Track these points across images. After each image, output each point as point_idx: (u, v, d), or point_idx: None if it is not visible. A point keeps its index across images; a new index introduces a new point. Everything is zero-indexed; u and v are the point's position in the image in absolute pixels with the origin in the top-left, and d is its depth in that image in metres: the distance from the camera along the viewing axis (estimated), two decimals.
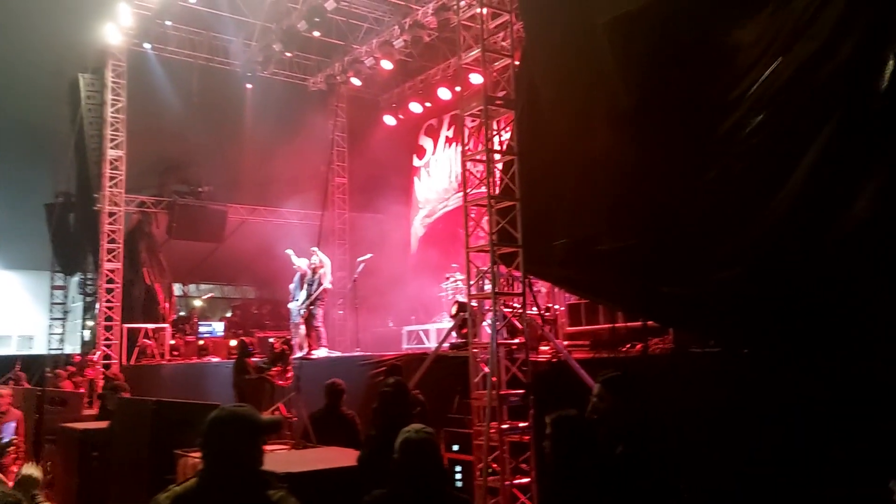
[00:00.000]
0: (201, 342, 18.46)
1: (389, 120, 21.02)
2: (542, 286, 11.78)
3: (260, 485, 2.97)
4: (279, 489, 3.01)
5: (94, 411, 10.37)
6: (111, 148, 18.21)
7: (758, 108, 5.19)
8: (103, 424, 7.47)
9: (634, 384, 4.31)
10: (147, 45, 18.42)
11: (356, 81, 19.63)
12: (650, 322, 7.03)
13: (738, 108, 5.26)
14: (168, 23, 17.83)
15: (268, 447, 6.56)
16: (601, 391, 4.20)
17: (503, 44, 8.34)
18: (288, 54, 18.76)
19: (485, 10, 7.95)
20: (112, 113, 18.28)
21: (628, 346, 7.71)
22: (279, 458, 5.58)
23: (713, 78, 5.43)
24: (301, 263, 13.69)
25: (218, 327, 19.80)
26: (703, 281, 5.59)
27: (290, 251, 14.07)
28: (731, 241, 5.39)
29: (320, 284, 13.21)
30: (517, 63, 7.95)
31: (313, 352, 12.73)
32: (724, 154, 5.34)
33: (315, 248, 13.57)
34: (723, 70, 5.36)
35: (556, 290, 10.82)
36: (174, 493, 2.96)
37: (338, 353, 13.48)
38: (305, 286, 13.41)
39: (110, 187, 18.19)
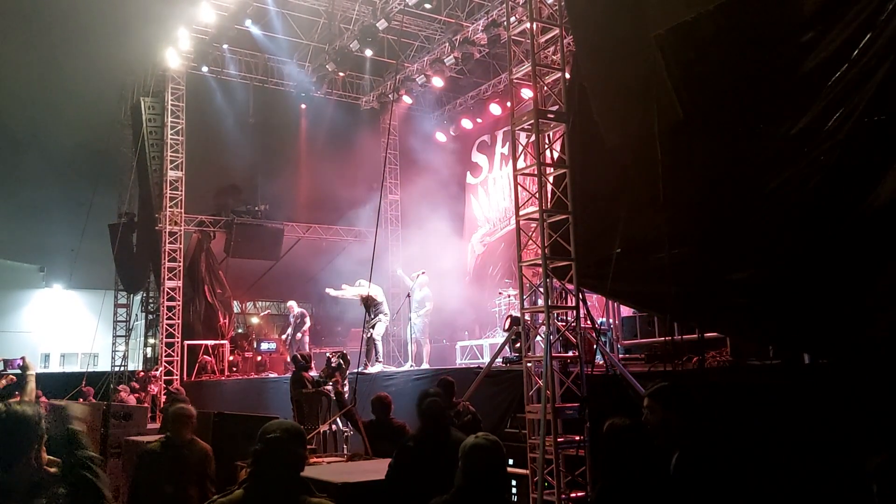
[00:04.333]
0: (259, 358, 18.80)
1: (441, 137, 21.18)
2: (596, 300, 11.69)
3: (302, 492, 3.08)
4: (320, 496, 3.11)
5: (156, 425, 10.66)
6: (171, 169, 18.79)
7: (841, 102, 4.99)
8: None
9: (684, 395, 4.26)
10: (205, 69, 19.01)
11: (408, 99, 19.89)
12: (707, 333, 6.91)
13: (813, 106, 5.10)
14: (225, 46, 18.39)
15: (326, 459, 6.67)
16: (650, 402, 4.17)
17: (554, 58, 8.36)
18: (341, 74, 19.12)
19: (535, 25, 7.99)
20: (172, 135, 18.87)
21: (685, 358, 7.60)
22: (336, 469, 5.65)
23: (781, 81, 5.31)
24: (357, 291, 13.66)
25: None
26: (766, 289, 5.48)
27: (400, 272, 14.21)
28: (799, 248, 5.26)
29: (376, 309, 13.35)
30: (568, 76, 7.96)
31: (369, 367, 12.85)
32: (795, 158, 5.22)
33: (361, 281, 13.51)
34: (794, 72, 5.22)
35: (611, 303, 10.72)
36: None
37: (392, 369, 13.58)
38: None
39: (170, 207, 18.74)
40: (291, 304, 16.46)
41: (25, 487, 2.77)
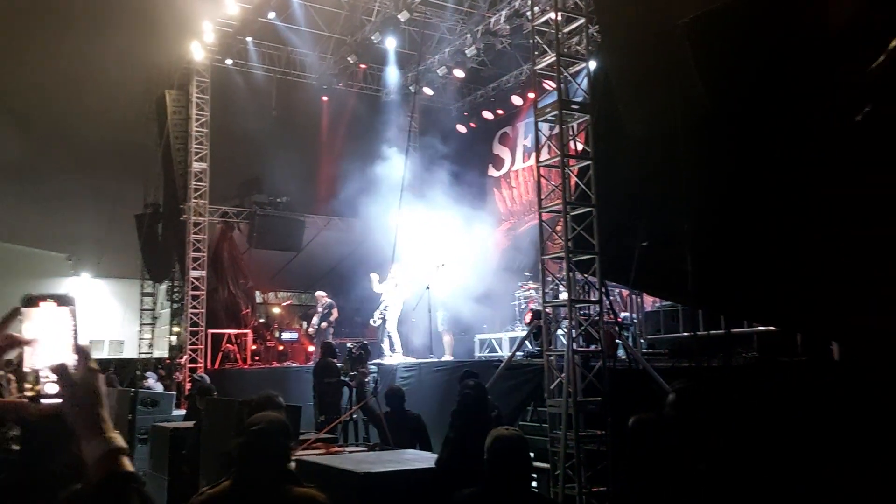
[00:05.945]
0: (280, 347, 18.93)
1: (462, 129, 21.11)
2: (618, 294, 11.61)
3: (288, 482, 3.10)
4: (307, 486, 3.13)
5: (181, 411, 10.78)
6: (196, 161, 18.93)
7: (874, 95, 4.89)
8: (191, 424, 7.74)
9: (709, 396, 4.22)
10: (228, 61, 19.11)
11: (429, 91, 19.82)
12: (734, 329, 6.86)
13: (844, 99, 5.01)
14: (248, 39, 18.47)
15: (348, 448, 6.70)
16: (673, 401, 4.13)
17: (578, 48, 8.30)
18: (362, 66, 19.11)
19: (559, 15, 7.92)
20: (196, 127, 18.99)
21: (710, 354, 7.53)
22: (358, 458, 5.67)
23: (812, 70, 5.22)
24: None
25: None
26: (796, 277, 5.44)
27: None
28: (831, 241, 5.20)
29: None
30: (592, 67, 7.89)
31: (388, 358, 12.89)
32: (823, 153, 5.14)
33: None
34: (826, 63, 5.13)
35: (635, 297, 10.65)
36: (208, 495, 3.09)
37: (412, 360, 13.59)
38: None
39: (195, 198, 18.89)
40: (321, 293, 16.45)
41: (68, 476, 2.80)
